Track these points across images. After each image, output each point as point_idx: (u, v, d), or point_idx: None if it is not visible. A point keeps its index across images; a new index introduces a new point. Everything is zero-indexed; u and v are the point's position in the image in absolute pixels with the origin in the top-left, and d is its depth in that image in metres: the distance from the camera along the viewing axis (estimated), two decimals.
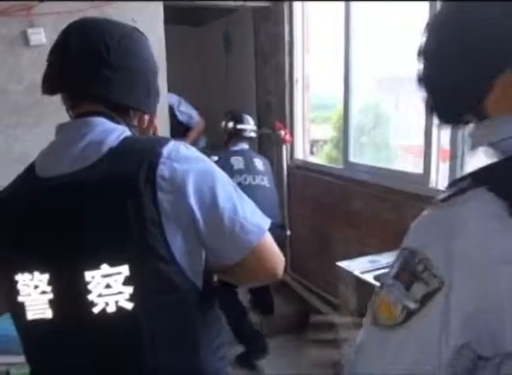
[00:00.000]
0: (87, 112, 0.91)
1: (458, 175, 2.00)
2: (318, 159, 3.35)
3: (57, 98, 2.92)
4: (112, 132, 0.89)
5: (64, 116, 3.02)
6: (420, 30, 0.66)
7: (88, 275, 0.82)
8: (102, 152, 0.85)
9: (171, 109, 3.27)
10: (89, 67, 0.90)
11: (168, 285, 0.83)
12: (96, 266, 0.82)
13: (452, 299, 0.54)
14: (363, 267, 2.02)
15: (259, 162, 2.85)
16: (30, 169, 0.92)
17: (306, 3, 3.14)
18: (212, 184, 0.86)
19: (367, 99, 2.92)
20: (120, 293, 0.82)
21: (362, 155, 2.81)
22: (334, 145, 3.25)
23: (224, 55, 4.24)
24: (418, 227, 0.60)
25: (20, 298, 0.87)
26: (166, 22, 2.79)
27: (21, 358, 2.33)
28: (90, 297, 0.83)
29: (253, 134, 3.02)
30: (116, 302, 0.82)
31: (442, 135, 2.12)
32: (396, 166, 2.57)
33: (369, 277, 1.94)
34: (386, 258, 2.09)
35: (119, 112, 0.93)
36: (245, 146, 2.95)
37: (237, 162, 2.82)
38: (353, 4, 2.62)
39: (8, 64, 2.48)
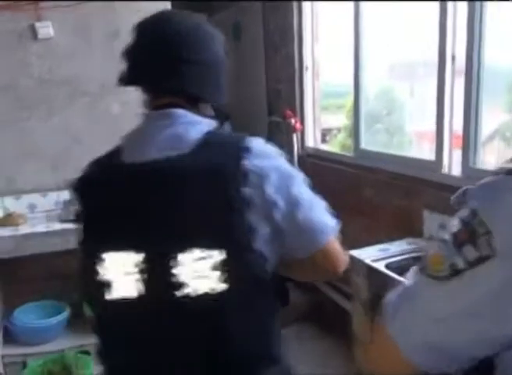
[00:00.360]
0: (168, 103, 0.96)
1: (471, 160, 1.97)
2: (332, 148, 3.31)
3: (66, 92, 2.90)
4: (197, 124, 0.94)
5: (74, 110, 3.01)
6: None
7: (179, 258, 0.86)
8: (190, 143, 0.90)
9: None
10: (164, 63, 0.94)
11: (250, 272, 0.87)
12: (187, 250, 0.85)
13: (502, 272, 0.53)
14: (374, 255, 2.01)
15: None
16: (113, 154, 0.97)
17: None
18: (291, 182, 0.91)
19: (380, 85, 2.87)
20: (208, 277, 0.85)
21: (375, 143, 2.77)
22: (348, 134, 3.22)
23: (233, 44, 4.21)
24: (484, 189, 0.57)
25: (106, 277, 0.91)
26: None
27: (38, 349, 2.38)
28: (179, 279, 0.86)
29: None
30: (203, 286, 0.86)
31: (455, 120, 2.08)
32: (411, 153, 2.53)
33: (381, 266, 1.92)
34: (398, 247, 2.07)
35: (194, 104, 0.98)
36: None
37: None
38: None
39: (17, 58, 2.49)
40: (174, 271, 0.86)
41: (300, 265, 0.95)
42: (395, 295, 0.63)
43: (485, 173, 2.01)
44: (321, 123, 3.33)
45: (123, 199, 0.91)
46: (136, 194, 0.90)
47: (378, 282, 1.90)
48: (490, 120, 2.01)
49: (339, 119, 3.35)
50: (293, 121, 3.16)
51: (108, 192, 0.93)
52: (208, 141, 0.90)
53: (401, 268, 1.85)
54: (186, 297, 0.86)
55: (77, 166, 2.87)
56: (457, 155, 2.09)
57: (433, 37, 2.09)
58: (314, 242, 0.92)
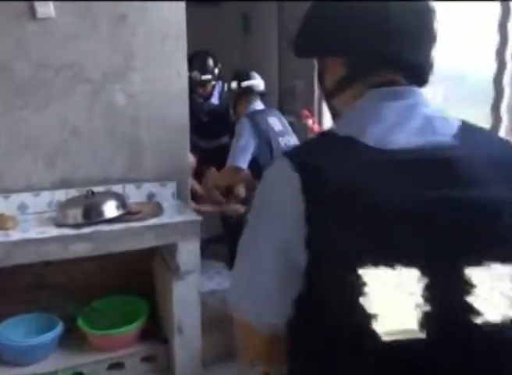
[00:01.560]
0: (395, 80, 0.81)
1: None
2: None
3: (65, 79, 2.57)
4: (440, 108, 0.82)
5: (74, 99, 2.66)
6: None
7: (472, 274, 0.67)
8: (452, 127, 0.78)
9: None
10: (412, 36, 0.79)
11: None
12: (483, 263, 0.67)
13: None
14: None
15: (285, 120, 2.76)
16: (348, 140, 0.75)
17: None
18: None
19: None
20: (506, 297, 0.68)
21: None
22: None
23: (242, 36, 3.96)
24: None
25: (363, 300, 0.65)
26: None
27: (26, 371, 2.09)
28: (474, 303, 0.66)
29: (262, 88, 2.81)
30: (501, 309, 0.67)
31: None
32: None
33: None
34: None
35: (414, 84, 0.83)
36: (261, 105, 2.76)
37: (273, 122, 2.64)
38: None
39: (13, 39, 2.19)
40: (470, 291, 0.66)
41: None
42: None
43: None
44: None
45: (390, 194, 0.69)
46: (410, 190, 0.69)
47: None
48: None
49: None
50: (310, 122, 2.92)
51: (365, 185, 0.69)
52: (467, 129, 0.78)
53: None
54: (488, 324, 0.66)
55: (75, 162, 2.56)
56: None
57: None
58: None
